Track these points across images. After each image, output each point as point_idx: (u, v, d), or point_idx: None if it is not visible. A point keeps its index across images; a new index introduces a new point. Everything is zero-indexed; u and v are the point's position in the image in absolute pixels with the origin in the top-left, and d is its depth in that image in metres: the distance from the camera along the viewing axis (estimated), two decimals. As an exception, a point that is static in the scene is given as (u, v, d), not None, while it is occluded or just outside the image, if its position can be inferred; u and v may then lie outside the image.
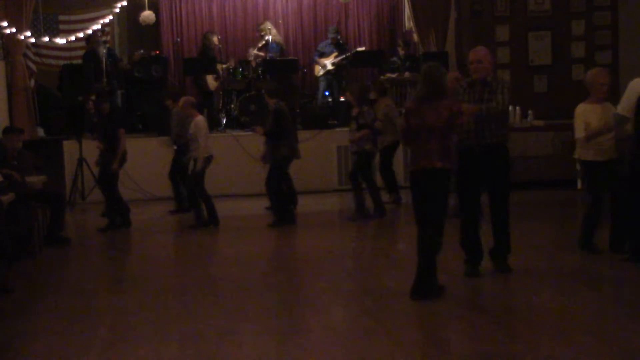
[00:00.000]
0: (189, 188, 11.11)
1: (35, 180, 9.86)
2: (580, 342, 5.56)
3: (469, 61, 7.41)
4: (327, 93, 15.49)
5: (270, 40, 15.53)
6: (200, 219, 10.77)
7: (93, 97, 11.43)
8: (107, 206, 11.08)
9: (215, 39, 15.43)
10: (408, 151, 8.46)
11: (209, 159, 10.76)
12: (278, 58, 15.34)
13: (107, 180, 10.93)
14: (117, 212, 10.96)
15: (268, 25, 15.78)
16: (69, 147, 13.38)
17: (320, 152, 13.64)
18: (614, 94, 8.34)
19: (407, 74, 14.34)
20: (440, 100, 6.70)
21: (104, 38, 14.69)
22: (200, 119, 10.84)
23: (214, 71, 14.95)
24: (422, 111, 6.71)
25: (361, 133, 10.72)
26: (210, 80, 14.94)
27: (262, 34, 15.68)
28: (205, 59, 15.03)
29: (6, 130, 10.30)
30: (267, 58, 15.18)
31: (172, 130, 12.06)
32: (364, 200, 10.96)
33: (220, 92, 15.37)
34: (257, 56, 15.43)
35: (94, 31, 14.61)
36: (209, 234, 10.57)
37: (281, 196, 10.90)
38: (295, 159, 11.02)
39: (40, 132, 14.14)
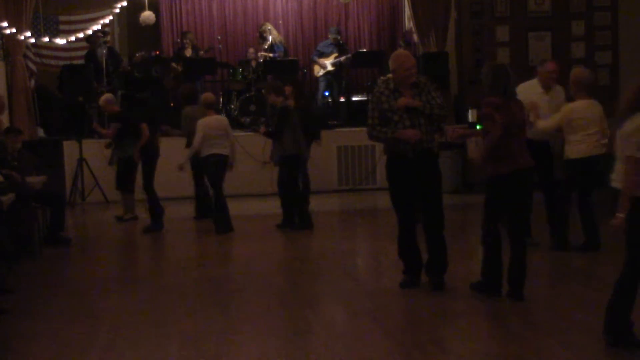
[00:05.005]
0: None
1: (35, 180, 9.86)
2: (581, 342, 5.56)
3: None
4: (326, 93, 15.48)
5: (271, 40, 15.53)
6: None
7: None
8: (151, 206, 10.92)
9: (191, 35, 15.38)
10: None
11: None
12: (279, 59, 15.34)
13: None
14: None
15: (268, 26, 15.78)
16: (69, 147, 13.39)
17: (320, 152, 13.60)
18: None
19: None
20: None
21: (104, 39, 14.67)
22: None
23: (213, 72, 14.89)
24: (511, 108, 6.59)
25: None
26: None
27: (264, 35, 15.67)
28: (206, 60, 15.03)
29: (6, 131, 10.31)
30: (268, 59, 15.18)
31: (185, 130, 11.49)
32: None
33: (220, 92, 15.37)
34: (265, 57, 15.41)
35: (94, 32, 14.59)
36: (208, 235, 10.56)
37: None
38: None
39: (40, 132, 14.15)
